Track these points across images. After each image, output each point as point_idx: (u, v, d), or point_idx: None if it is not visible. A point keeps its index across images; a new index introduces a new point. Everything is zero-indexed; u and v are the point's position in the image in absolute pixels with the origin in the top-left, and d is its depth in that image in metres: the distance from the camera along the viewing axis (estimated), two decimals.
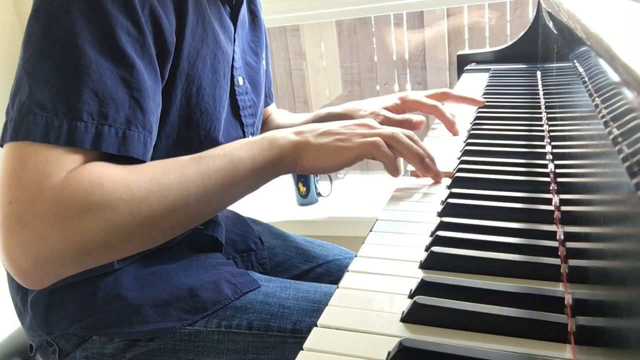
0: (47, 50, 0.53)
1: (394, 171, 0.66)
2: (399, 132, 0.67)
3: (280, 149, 0.62)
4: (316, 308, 0.69)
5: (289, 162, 0.63)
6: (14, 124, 0.53)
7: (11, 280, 0.73)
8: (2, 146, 0.54)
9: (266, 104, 1.00)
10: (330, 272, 0.91)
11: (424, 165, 0.68)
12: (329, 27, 1.94)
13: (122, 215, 0.52)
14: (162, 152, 0.67)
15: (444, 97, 0.96)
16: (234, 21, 0.76)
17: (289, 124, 1.00)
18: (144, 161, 0.57)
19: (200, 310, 0.68)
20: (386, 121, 0.83)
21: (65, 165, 0.51)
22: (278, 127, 1.00)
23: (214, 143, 0.72)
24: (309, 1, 1.74)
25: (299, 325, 0.67)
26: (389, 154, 0.64)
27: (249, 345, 0.67)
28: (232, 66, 0.76)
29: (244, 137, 0.79)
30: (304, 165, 0.63)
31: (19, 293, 0.71)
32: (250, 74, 0.83)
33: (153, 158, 0.66)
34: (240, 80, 0.79)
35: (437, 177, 0.70)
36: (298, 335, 0.66)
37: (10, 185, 0.50)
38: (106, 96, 0.53)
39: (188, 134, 0.68)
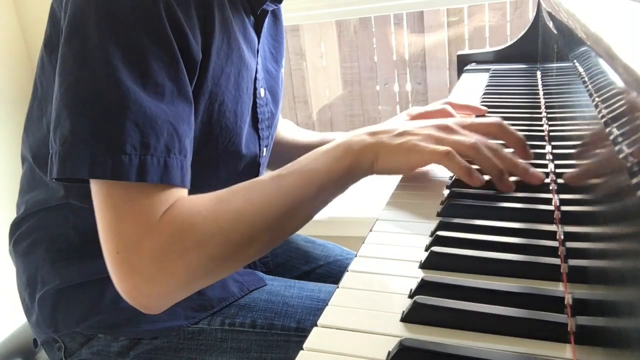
0: (83, 81, 0.54)
1: (470, 180, 0.60)
2: (482, 143, 0.62)
3: (356, 154, 0.62)
4: (320, 307, 0.68)
5: (366, 166, 0.62)
6: (59, 159, 0.54)
7: (19, 275, 0.74)
8: (54, 179, 0.56)
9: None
10: (331, 272, 0.91)
11: (502, 181, 0.61)
12: (329, 27, 1.94)
13: (217, 247, 0.55)
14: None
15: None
16: (258, 32, 0.75)
17: (291, 140, 0.99)
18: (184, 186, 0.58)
19: (207, 308, 0.68)
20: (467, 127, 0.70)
21: (158, 209, 0.54)
22: (282, 139, 0.98)
23: (233, 156, 0.72)
24: (309, 1, 1.74)
25: (302, 324, 0.67)
26: (459, 165, 0.60)
27: (252, 344, 0.67)
28: (255, 78, 0.75)
29: (260, 149, 0.78)
30: (379, 167, 0.63)
31: (27, 289, 0.72)
32: (270, 83, 0.82)
33: None
34: (262, 92, 0.78)
35: (509, 188, 0.62)
36: (302, 334, 0.66)
37: (113, 237, 0.54)
38: (146, 126, 0.54)
39: (206, 147, 0.68)
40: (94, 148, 0.52)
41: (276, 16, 0.87)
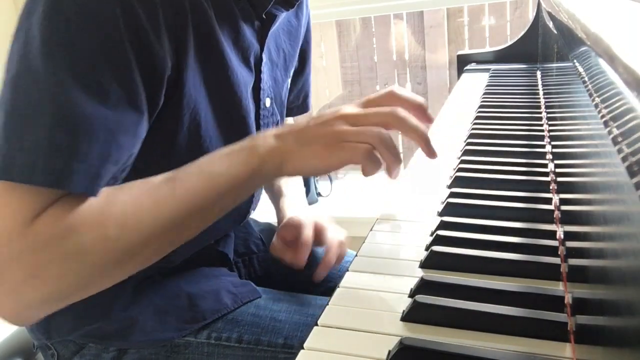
0: (20, 77, 0.50)
1: (390, 174, 0.58)
2: (388, 143, 0.57)
3: (261, 157, 0.57)
4: (309, 322, 0.66)
5: (271, 170, 0.57)
6: None
7: None
8: None
9: (301, 112, 0.94)
10: (330, 276, 0.90)
11: (430, 146, 0.58)
12: (329, 27, 1.94)
13: (98, 257, 0.49)
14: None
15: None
16: (263, 38, 0.70)
17: None
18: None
19: (198, 320, 0.66)
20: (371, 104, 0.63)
21: (32, 209, 0.48)
22: None
23: None
24: (309, 1, 1.74)
25: (290, 340, 0.65)
26: (376, 164, 0.56)
27: (238, 359, 0.66)
28: (259, 88, 0.70)
29: None
30: (288, 170, 0.58)
31: None
32: (276, 90, 0.76)
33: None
34: (268, 102, 0.73)
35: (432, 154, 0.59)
36: (289, 350, 0.65)
37: None
38: (79, 129, 0.48)
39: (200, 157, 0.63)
40: (19, 150, 0.48)
41: (299, 21, 0.81)
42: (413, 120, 0.56)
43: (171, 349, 0.67)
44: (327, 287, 0.82)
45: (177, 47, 0.57)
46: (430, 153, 0.58)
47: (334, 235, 0.76)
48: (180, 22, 0.56)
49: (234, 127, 0.67)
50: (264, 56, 0.70)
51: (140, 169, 0.59)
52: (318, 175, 0.63)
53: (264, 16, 0.68)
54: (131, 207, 0.51)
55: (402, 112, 0.56)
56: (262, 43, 0.70)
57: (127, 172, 0.58)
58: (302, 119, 0.64)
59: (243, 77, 0.67)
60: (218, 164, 0.56)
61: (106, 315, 0.67)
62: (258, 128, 0.72)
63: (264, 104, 0.72)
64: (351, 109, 0.59)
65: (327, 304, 0.47)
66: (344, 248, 0.77)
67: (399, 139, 2.02)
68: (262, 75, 0.70)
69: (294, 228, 0.74)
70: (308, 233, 0.73)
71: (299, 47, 0.84)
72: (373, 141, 0.56)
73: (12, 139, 0.48)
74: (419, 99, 0.60)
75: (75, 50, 0.49)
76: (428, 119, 0.60)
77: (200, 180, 0.54)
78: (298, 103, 0.94)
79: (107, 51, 0.50)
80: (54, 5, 0.50)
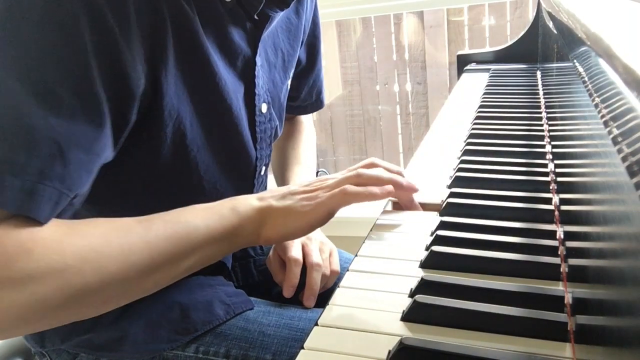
0: None
1: (380, 196, 0.58)
2: (363, 169, 0.61)
3: (240, 216, 0.55)
4: (298, 337, 0.65)
5: (250, 231, 0.56)
6: None
7: None
8: None
9: (315, 109, 0.95)
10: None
11: (405, 189, 0.62)
12: (329, 27, 1.94)
13: (49, 289, 0.43)
14: (158, 193, 0.62)
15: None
16: (256, 41, 0.66)
17: (282, 139, 0.92)
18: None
19: (190, 332, 0.65)
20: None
21: None
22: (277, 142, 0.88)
23: (217, 180, 0.66)
24: None
25: (278, 356, 0.64)
26: (363, 192, 0.57)
27: None
28: (254, 93, 0.68)
29: (255, 171, 0.71)
30: (269, 234, 0.56)
31: None
32: (275, 95, 0.73)
33: (155, 197, 0.60)
34: (264, 107, 0.70)
35: (413, 205, 0.64)
36: None
37: None
38: (17, 136, 0.43)
39: (187, 169, 0.62)
40: None
41: (300, 19, 0.79)
42: (375, 172, 0.60)
43: None
44: (322, 295, 0.81)
45: (154, 55, 0.52)
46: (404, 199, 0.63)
47: (316, 257, 0.72)
48: (157, 27, 0.52)
49: (225, 137, 0.64)
50: (258, 59, 0.67)
51: (123, 181, 0.58)
52: (300, 236, 0.61)
53: (256, 17, 0.64)
54: (97, 241, 0.47)
55: (364, 170, 0.60)
56: (255, 46, 0.66)
57: (109, 186, 0.55)
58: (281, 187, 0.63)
59: (232, 83, 0.64)
60: (197, 216, 0.54)
61: (97, 326, 0.66)
62: (254, 135, 0.69)
63: (260, 109, 0.69)
64: (329, 175, 0.62)
65: (327, 304, 0.47)
66: (332, 267, 0.74)
67: (399, 141, 2.02)
68: (256, 80, 0.67)
69: (283, 249, 0.71)
70: (293, 256, 0.70)
71: (302, 44, 0.82)
72: (349, 181, 0.58)
73: None
74: (397, 168, 0.64)
75: (27, 50, 0.44)
76: (409, 188, 0.64)
77: (175, 229, 0.51)
78: (312, 100, 0.93)
79: (64, 56, 0.45)
80: (12, 1, 0.45)
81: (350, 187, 0.57)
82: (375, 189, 0.58)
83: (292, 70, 0.79)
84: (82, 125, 0.46)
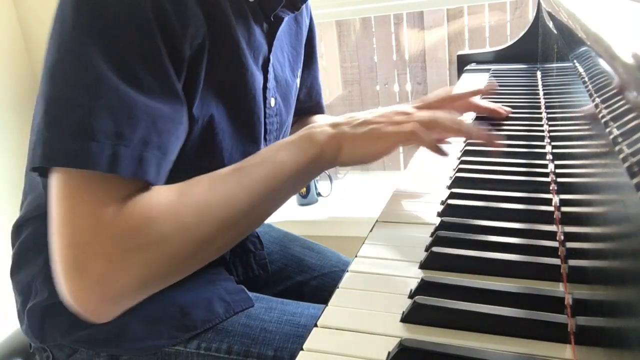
0: (58, 67, 0.51)
1: (439, 153, 0.63)
2: (439, 113, 0.65)
3: (320, 145, 0.61)
4: (300, 333, 0.66)
5: (329, 157, 0.62)
6: (33, 148, 0.51)
7: (16, 282, 0.73)
8: (33, 170, 0.52)
9: (315, 112, 0.97)
10: (324, 285, 0.88)
11: (478, 135, 0.66)
12: (329, 27, 1.94)
13: (176, 245, 0.52)
14: (182, 171, 0.64)
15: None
16: (271, 39, 0.73)
17: None
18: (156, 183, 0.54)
19: (190, 329, 0.66)
20: (424, 106, 0.72)
21: (116, 203, 0.50)
22: None
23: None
24: (310, 5, 1.74)
25: (280, 352, 0.64)
26: (428, 139, 0.62)
27: None
28: (265, 87, 0.73)
29: None
30: (343, 158, 0.62)
31: (20, 297, 0.72)
32: (283, 92, 0.79)
33: (175, 178, 0.64)
34: (272, 102, 0.75)
35: (492, 141, 0.67)
36: None
37: (64, 229, 0.50)
38: (121, 114, 0.50)
39: (211, 155, 0.66)
40: (63, 134, 0.49)
41: (297, 22, 0.84)
42: (448, 122, 0.64)
43: (162, 358, 0.66)
44: (321, 296, 0.81)
45: (196, 39, 0.58)
46: (482, 138, 0.66)
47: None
48: (202, 15, 0.58)
49: (246, 124, 0.69)
50: (272, 57, 0.73)
51: None
52: (370, 162, 0.64)
53: (272, 18, 0.71)
54: (204, 197, 0.54)
55: (441, 115, 0.64)
56: (270, 44, 0.72)
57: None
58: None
59: (256, 75, 0.69)
60: (281, 152, 0.60)
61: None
62: (265, 127, 0.74)
63: (270, 103, 0.74)
64: (403, 106, 0.66)
65: (327, 305, 0.47)
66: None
67: None
68: (268, 76, 0.73)
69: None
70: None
71: (303, 47, 0.86)
72: (422, 120, 0.62)
73: (54, 127, 0.50)
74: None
75: (108, 39, 0.51)
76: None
77: (265, 169, 0.58)
78: (311, 103, 0.96)
79: (139, 40, 0.52)
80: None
81: (420, 132, 0.61)
82: (439, 150, 0.63)
83: (299, 71, 0.85)
84: (163, 100, 0.54)
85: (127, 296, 0.52)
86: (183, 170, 0.64)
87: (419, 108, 0.67)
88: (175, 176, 0.63)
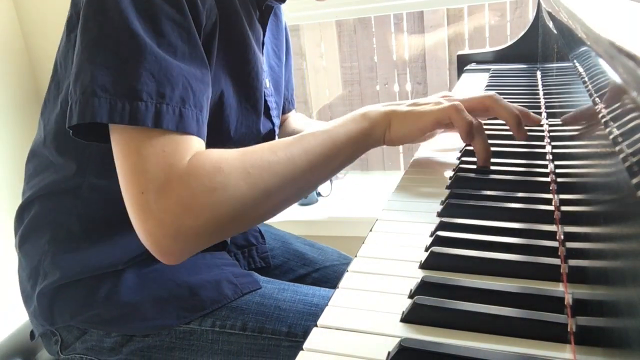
0: (103, 36, 0.57)
1: (467, 136, 0.67)
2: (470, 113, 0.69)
3: (372, 120, 0.67)
4: (313, 312, 0.68)
5: (379, 133, 0.68)
6: (79, 107, 0.56)
7: (23, 267, 0.74)
8: (69, 128, 0.58)
9: (288, 110, 1.02)
10: (326, 277, 0.91)
11: (520, 128, 0.70)
12: (329, 27, 1.94)
13: (242, 191, 0.57)
14: None
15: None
16: (264, 25, 0.79)
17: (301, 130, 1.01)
18: (200, 138, 0.61)
19: (198, 309, 0.68)
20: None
21: (182, 154, 0.56)
22: (294, 131, 1.01)
23: (244, 139, 0.76)
24: (309, 1, 1.74)
25: (294, 328, 0.67)
26: (467, 118, 0.67)
27: (242, 347, 0.67)
28: (262, 69, 0.78)
29: (275, 136, 0.85)
30: (392, 135, 0.68)
31: (30, 281, 0.73)
32: (274, 77, 0.86)
33: None
34: (267, 83, 0.82)
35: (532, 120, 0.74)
36: (292, 338, 0.66)
37: (138, 177, 0.55)
38: (161, 76, 0.57)
39: (220, 128, 0.72)
40: (113, 95, 0.55)
41: (277, 16, 0.89)
42: (504, 102, 0.70)
43: (175, 336, 0.68)
44: (324, 287, 0.83)
45: (212, 18, 0.65)
46: (520, 134, 0.70)
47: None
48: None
49: (250, 99, 0.76)
50: (266, 40, 0.81)
51: None
52: (415, 139, 0.71)
53: (263, 7, 0.78)
54: (268, 155, 0.60)
55: (495, 96, 0.70)
56: (264, 29, 0.79)
57: None
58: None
59: (258, 54, 0.76)
60: (336, 126, 0.66)
61: (107, 302, 0.68)
62: (267, 105, 0.81)
63: (265, 83, 0.81)
64: (446, 93, 0.73)
65: (327, 305, 0.47)
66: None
67: None
68: (263, 58, 0.80)
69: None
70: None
71: (284, 38, 0.94)
72: (470, 102, 0.69)
73: (105, 91, 0.55)
74: (515, 111, 0.72)
75: (147, 13, 0.57)
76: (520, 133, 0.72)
77: (323, 137, 0.64)
78: (287, 96, 1.01)
79: (173, 11, 0.59)
80: None
81: (462, 110, 0.67)
82: (470, 132, 0.67)
83: (284, 57, 0.93)
84: (195, 65, 0.60)
85: (199, 237, 0.56)
86: None
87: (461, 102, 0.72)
88: None
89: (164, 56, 0.57)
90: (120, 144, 0.57)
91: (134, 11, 0.57)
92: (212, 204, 0.55)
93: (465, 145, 0.79)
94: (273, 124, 0.83)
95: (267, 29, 0.83)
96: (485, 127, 0.85)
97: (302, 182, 0.63)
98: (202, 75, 0.61)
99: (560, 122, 0.65)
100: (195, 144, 0.59)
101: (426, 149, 0.84)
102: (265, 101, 0.80)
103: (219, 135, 0.72)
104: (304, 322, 0.67)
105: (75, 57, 0.59)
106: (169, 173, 0.55)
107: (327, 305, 0.46)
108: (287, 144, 0.62)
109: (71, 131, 0.58)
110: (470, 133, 0.67)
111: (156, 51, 0.57)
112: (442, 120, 0.67)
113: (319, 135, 0.64)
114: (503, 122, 0.87)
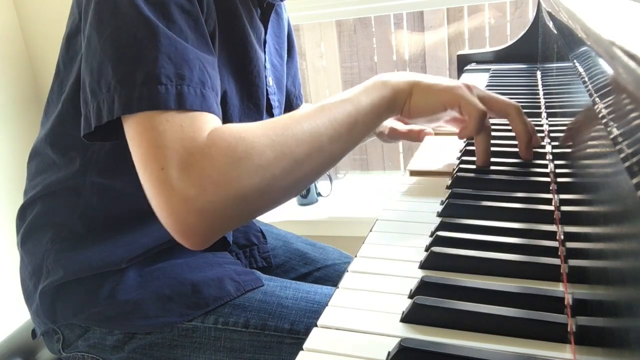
0: (118, 30, 0.56)
1: (476, 128, 0.66)
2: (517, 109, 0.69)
3: (394, 88, 0.66)
4: (315, 309, 0.68)
5: (401, 102, 0.66)
6: (107, 105, 0.55)
7: (25, 265, 0.74)
8: (92, 130, 0.57)
9: (296, 105, 1.02)
10: (328, 276, 0.91)
11: (529, 148, 0.70)
12: (329, 27, 1.94)
13: (268, 159, 0.54)
14: None
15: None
16: (265, 23, 0.79)
17: None
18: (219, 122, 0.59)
19: (201, 306, 0.68)
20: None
21: (201, 127, 0.54)
22: None
23: None
24: (309, 1, 1.74)
25: (296, 325, 0.67)
26: (481, 108, 0.65)
27: (245, 344, 0.67)
28: (264, 66, 0.78)
29: None
30: (411, 105, 0.66)
31: (32, 279, 0.73)
32: (277, 75, 0.86)
33: None
34: (270, 81, 0.81)
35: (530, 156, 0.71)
36: (295, 335, 0.66)
37: (156, 155, 0.53)
38: (179, 59, 0.56)
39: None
40: (133, 85, 0.54)
41: (278, 14, 0.89)
42: (526, 118, 0.69)
43: (178, 334, 0.68)
44: (327, 285, 0.84)
45: (213, 17, 0.65)
46: (526, 153, 0.69)
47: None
48: None
49: (253, 98, 0.75)
50: (268, 38, 0.81)
51: None
52: (432, 114, 0.69)
53: (264, 5, 0.78)
54: (292, 123, 0.58)
55: (521, 109, 0.69)
56: (265, 27, 0.79)
57: None
58: None
59: (259, 53, 0.76)
60: (360, 93, 0.64)
61: (109, 299, 0.68)
62: (269, 103, 0.80)
63: (268, 81, 0.80)
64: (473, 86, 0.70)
65: (327, 305, 0.47)
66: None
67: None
68: (265, 56, 0.80)
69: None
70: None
71: (285, 36, 0.94)
72: (497, 104, 0.68)
73: (126, 82, 0.55)
74: (528, 129, 0.70)
75: (162, 6, 0.57)
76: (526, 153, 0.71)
77: (347, 106, 0.62)
78: (295, 92, 1.02)
79: (182, 2, 0.59)
80: None
81: (476, 100, 0.66)
82: (475, 128, 0.66)
83: (285, 55, 0.92)
84: (204, 50, 0.60)
85: (226, 212, 0.53)
86: None
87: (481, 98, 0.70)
88: None
89: (178, 39, 0.57)
90: (136, 129, 0.55)
91: (144, 1, 0.57)
92: (238, 175, 0.52)
93: (465, 145, 0.79)
94: None
95: (269, 27, 0.83)
96: None
97: (328, 152, 0.60)
98: (213, 62, 0.61)
99: (560, 122, 0.65)
100: (213, 122, 0.57)
101: (426, 149, 0.85)
102: (268, 99, 0.80)
103: None
104: (306, 319, 0.67)
105: (87, 54, 0.58)
106: (189, 146, 0.52)
107: (329, 302, 0.46)
108: (310, 114, 0.60)
109: (86, 133, 0.58)
110: (480, 126, 0.66)
111: (170, 34, 0.56)
112: (464, 103, 0.66)
113: (342, 105, 0.62)
114: (503, 122, 0.88)
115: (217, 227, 0.54)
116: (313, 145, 0.58)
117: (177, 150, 0.52)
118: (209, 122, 0.56)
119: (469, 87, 0.68)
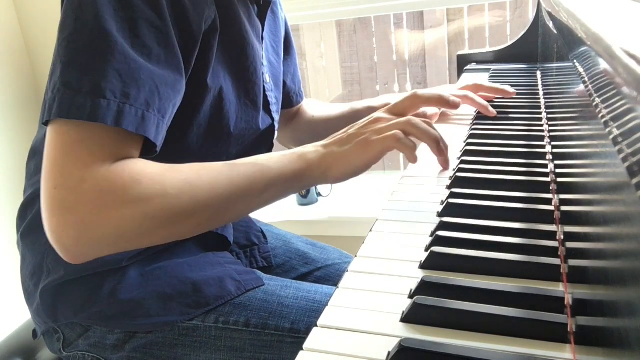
0: (76, 34, 0.56)
1: (414, 159, 0.68)
2: (414, 118, 0.68)
3: (308, 162, 0.65)
4: (315, 308, 0.68)
5: (318, 174, 0.65)
6: (47, 105, 0.56)
7: (25, 264, 0.74)
8: (44, 124, 0.58)
9: (297, 102, 1.03)
10: (328, 276, 0.91)
11: (439, 148, 0.70)
12: (329, 27, 1.94)
13: (154, 210, 0.55)
14: (194, 139, 0.70)
15: (477, 88, 0.97)
16: (262, 20, 0.80)
17: (323, 117, 1.03)
18: (155, 144, 0.59)
19: (202, 305, 0.68)
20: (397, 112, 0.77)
21: (106, 159, 0.55)
22: (312, 118, 1.03)
23: (243, 134, 0.76)
24: (309, 1, 1.74)
25: (297, 325, 0.67)
26: (409, 144, 0.66)
27: (246, 343, 0.67)
28: (262, 63, 0.79)
29: (275, 131, 0.85)
30: (334, 175, 0.66)
31: (33, 279, 0.73)
32: (274, 72, 0.86)
33: (187, 145, 0.70)
34: (267, 78, 0.82)
35: (446, 163, 0.73)
36: (295, 335, 0.66)
37: (55, 172, 0.54)
38: (129, 77, 0.56)
39: (219, 123, 0.72)
40: (77, 92, 0.54)
41: (274, 13, 0.90)
42: (424, 126, 0.67)
43: (179, 333, 0.68)
44: (327, 284, 0.84)
45: (211, 16, 0.65)
46: (440, 154, 0.70)
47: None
48: None
49: (249, 94, 0.76)
50: (265, 35, 0.81)
51: (175, 125, 0.65)
52: (360, 173, 0.67)
53: (261, 2, 0.80)
54: (191, 176, 0.59)
55: (415, 120, 0.67)
56: (262, 24, 0.80)
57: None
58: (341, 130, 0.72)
59: (257, 49, 0.76)
60: (271, 160, 0.64)
61: (110, 299, 0.68)
62: (266, 100, 0.81)
63: (265, 78, 0.81)
64: (380, 114, 0.71)
65: (327, 305, 0.47)
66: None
67: None
68: (263, 52, 0.81)
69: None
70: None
71: (282, 34, 0.94)
72: (403, 127, 0.66)
73: (70, 87, 0.55)
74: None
75: (124, 12, 0.57)
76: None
77: (253, 170, 0.62)
78: (295, 89, 1.02)
79: (152, 14, 0.58)
80: None
81: (402, 138, 0.65)
82: (415, 155, 0.67)
83: (282, 53, 0.92)
84: (168, 71, 0.60)
85: (103, 244, 0.55)
86: (195, 139, 0.70)
87: (393, 113, 0.71)
88: (188, 146, 0.70)
89: (135, 57, 0.57)
90: (50, 137, 0.56)
91: (111, 11, 0.57)
92: (120, 215, 0.54)
93: (466, 145, 0.79)
94: (273, 119, 0.83)
95: (266, 25, 0.83)
96: (484, 126, 0.86)
97: (220, 212, 0.61)
98: (175, 82, 0.60)
99: (560, 122, 0.65)
100: (127, 151, 0.57)
101: (426, 149, 0.84)
102: (265, 96, 0.80)
103: (219, 131, 0.72)
104: (306, 318, 0.67)
105: (53, 55, 0.59)
106: (85, 174, 0.53)
107: (329, 302, 0.47)
108: (214, 170, 0.61)
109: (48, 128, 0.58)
110: (415, 156, 0.67)
111: (127, 51, 0.56)
112: (386, 151, 0.65)
113: (250, 168, 0.62)
114: (503, 122, 0.88)
115: (91, 255, 0.56)
116: (206, 203, 0.59)
117: (73, 174, 0.53)
118: (131, 148, 0.57)
119: (378, 120, 0.69)
